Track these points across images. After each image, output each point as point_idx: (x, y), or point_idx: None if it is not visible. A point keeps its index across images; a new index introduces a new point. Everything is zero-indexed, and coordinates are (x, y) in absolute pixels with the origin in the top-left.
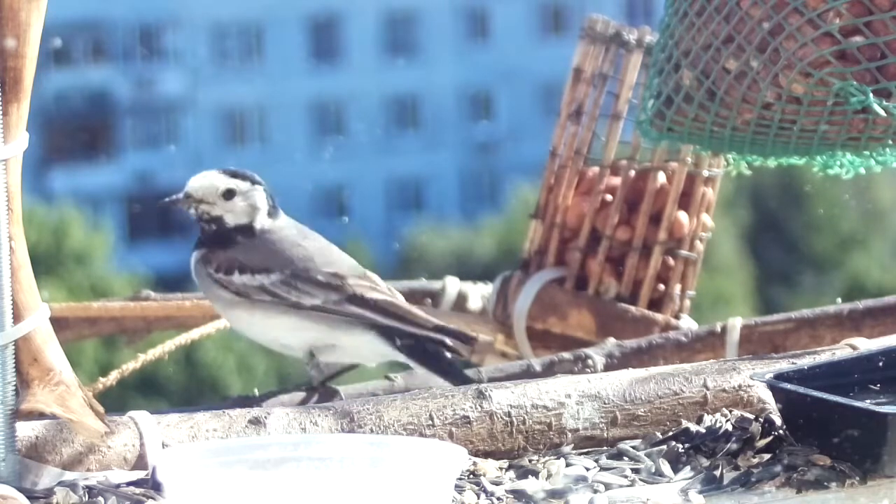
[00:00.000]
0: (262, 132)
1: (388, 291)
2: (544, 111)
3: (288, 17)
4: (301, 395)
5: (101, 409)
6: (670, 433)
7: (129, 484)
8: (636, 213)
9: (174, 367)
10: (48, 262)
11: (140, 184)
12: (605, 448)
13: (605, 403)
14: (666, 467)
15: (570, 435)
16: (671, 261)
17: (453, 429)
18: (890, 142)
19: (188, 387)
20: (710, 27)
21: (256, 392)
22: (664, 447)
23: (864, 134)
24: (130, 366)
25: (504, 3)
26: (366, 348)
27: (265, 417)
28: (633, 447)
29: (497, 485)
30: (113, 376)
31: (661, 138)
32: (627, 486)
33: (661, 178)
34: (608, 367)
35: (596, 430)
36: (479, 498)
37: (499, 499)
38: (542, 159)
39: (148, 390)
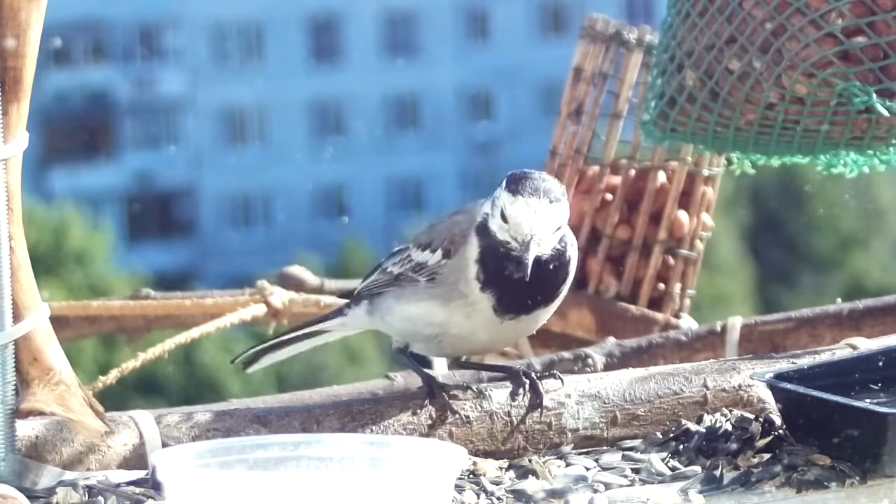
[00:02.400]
0: (262, 132)
1: None
2: (544, 111)
3: (288, 17)
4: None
5: (100, 408)
6: (670, 433)
7: (129, 483)
8: (636, 213)
9: (173, 367)
10: (48, 262)
11: (140, 184)
12: (605, 448)
13: (605, 403)
14: (666, 467)
15: (570, 435)
16: (671, 260)
17: (453, 429)
18: (893, 141)
19: (187, 387)
20: (713, 28)
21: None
22: (664, 447)
23: (867, 133)
24: (130, 364)
25: (504, 3)
26: None
27: (266, 417)
28: (633, 447)
29: (497, 485)
30: (113, 375)
31: (664, 138)
32: (627, 486)
33: (662, 177)
34: (608, 367)
35: (596, 430)
36: (479, 498)
37: (499, 499)
38: (542, 159)
39: (148, 390)
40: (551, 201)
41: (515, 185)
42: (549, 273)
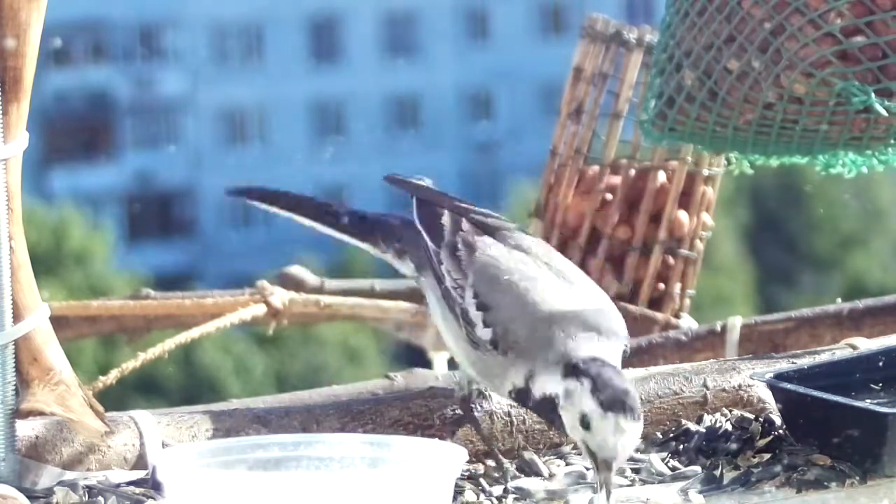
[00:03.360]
0: (262, 132)
1: None
2: (544, 111)
3: (288, 17)
4: None
5: (100, 408)
6: (670, 433)
7: (129, 484)
8: (636, 212)
9: (173, 367)
10: (48, 262)
11: (140, 184)
12: None
13: None
14: (666, 467)
15: None
16: (671, 260)
17: (453, 428)
18: (892, 141)
19: (187, 387)
20: (712, 27)
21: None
22: (664, 447)
23: (865, 133)
24: (130, 364)
25: (504, 3)
26: None
27: (266, 417)
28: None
29: (497, 485)
30: (113, 375)
31: (663, 138)
32: (627, 486)
33: (662, 177)
34: None
35: None
36: (478, 498)
37: (499, 499)
38: (542, 159)
39: (148, 390)
40: (636, 419)
41: (609, 399)
42: None
